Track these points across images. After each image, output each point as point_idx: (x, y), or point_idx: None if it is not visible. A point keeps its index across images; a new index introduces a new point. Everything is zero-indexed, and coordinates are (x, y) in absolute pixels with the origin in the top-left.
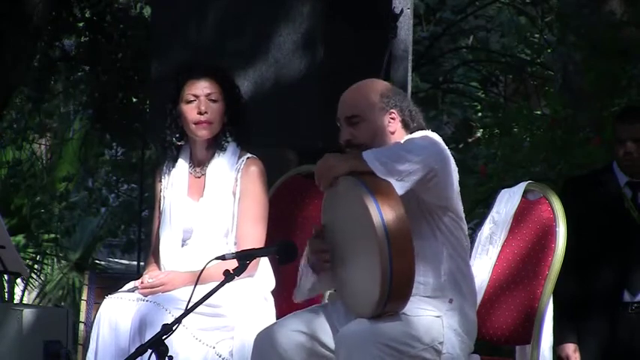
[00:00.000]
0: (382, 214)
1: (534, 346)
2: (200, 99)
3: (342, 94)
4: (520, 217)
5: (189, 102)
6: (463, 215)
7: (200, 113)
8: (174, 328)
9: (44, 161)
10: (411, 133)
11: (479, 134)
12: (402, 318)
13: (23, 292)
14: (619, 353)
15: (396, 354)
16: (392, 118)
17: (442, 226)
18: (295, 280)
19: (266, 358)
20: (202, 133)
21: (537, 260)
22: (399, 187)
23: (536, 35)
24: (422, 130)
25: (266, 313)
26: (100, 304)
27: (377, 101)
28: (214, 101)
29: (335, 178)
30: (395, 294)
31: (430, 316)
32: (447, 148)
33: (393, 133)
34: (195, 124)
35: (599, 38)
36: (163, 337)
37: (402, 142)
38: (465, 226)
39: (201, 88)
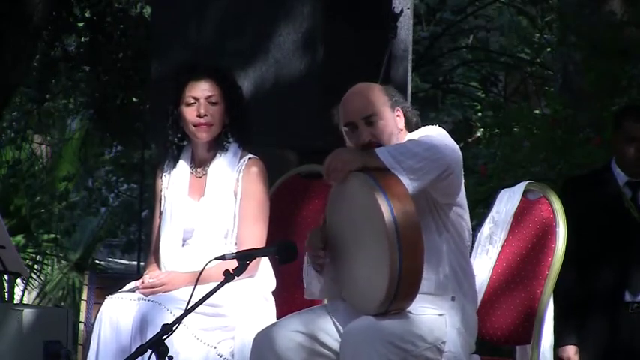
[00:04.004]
0: (393, 210)
1: (534, 346)
2: (200, 101)
3: (345, 100)
4: (520, 217)
5: (189, 104)
6: (467, 208)
7: (199, 116)
8: (174, 328)
9: (44, 161)
10: (411, 130)
11: (479, 134)
12: (407, 316)
13: (23, 292)
14: (619, 353)
15: (401, 352)
16: (398, 116)
17: (447, 223)
18: (295, 280)
19: (264, 359)
20: (202, 136)
21: (537, 260)
22: (413, 186)
23: (537, 35)
24: (418, 125)
25: (266, 313)
26: (100, 304)
27: (387, 99)
28: (214, 103)
29: (349, 172)
30: (403, 292)
31: (434, 314)
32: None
33: (401, 130)
34: (194, 126)
35: (599, 38)
36: (163, 337)
37: (416, 138)
38: (468, 219)
39: (201, 90)
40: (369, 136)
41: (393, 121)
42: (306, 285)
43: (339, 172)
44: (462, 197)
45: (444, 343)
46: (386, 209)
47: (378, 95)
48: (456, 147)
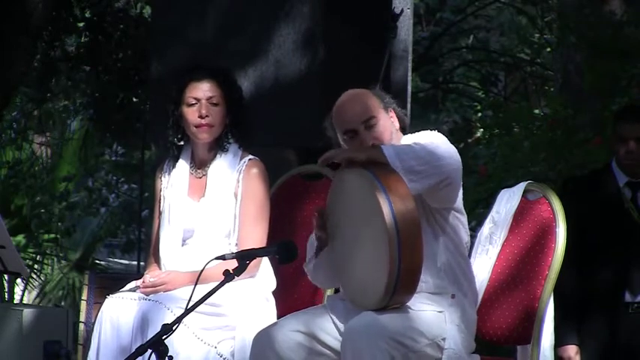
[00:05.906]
0: (392, 205)
1: (534, 346)
2: (201, 102)
3: (339, 110)
4: (520, 217)
5: (191, 105)
6: (464, 210)
7: (201, 117)
8: (173, 328)
9: (44, 161)
10: (403, 130)
11: (479, 134)
12: (407, 312)
13: (23, 292)
14: (620, 353)
15: (402, 348)
16: (392, 117)
17: (445, 225)
18: (295, 280)
19: (264, 358)
20: (203, 137)
21: (537, 260)
22: (411, 187)
23: (537, 35)
24: (405, 126)
25: (267, 313)
26: (100, 304)
27: (379, 102)
28: (215, 104)
29: (349, 160)
30: (402, 286)
31: (433, 311)
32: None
33: (397, 130)
34: (196, 127)
35: (599, 38)
36: (163, 337)
37: (422, 142)
38: (465, 220)
39: (203, 91)
40: (372, 140)
41: (389, 123)
42: (309, 269)
43: (343, 159)
44: (460, 201)
45: (443, 339)
46: (385, 205)
47: (372, 99)
48: (458, 157)
